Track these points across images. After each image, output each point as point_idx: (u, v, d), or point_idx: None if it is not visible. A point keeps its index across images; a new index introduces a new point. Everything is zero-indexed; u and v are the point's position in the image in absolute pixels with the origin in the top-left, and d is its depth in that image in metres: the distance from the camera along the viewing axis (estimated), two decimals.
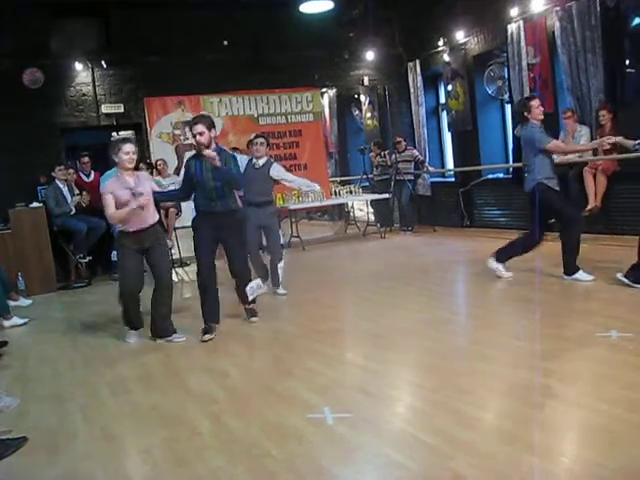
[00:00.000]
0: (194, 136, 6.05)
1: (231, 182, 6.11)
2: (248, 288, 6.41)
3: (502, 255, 7.32)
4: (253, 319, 6.47)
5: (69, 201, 10.00)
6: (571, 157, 9.05)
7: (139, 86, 12.37)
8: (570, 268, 6.88)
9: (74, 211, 10.05)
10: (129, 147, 5.88)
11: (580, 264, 6.86)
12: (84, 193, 10.19)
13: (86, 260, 10.06)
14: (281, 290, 7.70)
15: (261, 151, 7.65)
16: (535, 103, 6.93)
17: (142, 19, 12.09)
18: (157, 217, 6.14)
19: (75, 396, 4.78)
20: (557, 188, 6.90)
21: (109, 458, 3.62)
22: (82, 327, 7.16)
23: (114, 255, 9.88)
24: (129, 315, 6.17)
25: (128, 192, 5.79)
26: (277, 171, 7.76)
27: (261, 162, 7.62)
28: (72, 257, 10.06)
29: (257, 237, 7.78)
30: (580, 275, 6.82)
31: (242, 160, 7.39)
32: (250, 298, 6.47)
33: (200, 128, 5.98)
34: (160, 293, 6.06)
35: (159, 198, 6.25)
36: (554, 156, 7.22)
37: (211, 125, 6.08)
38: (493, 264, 7.34)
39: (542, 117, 6.98)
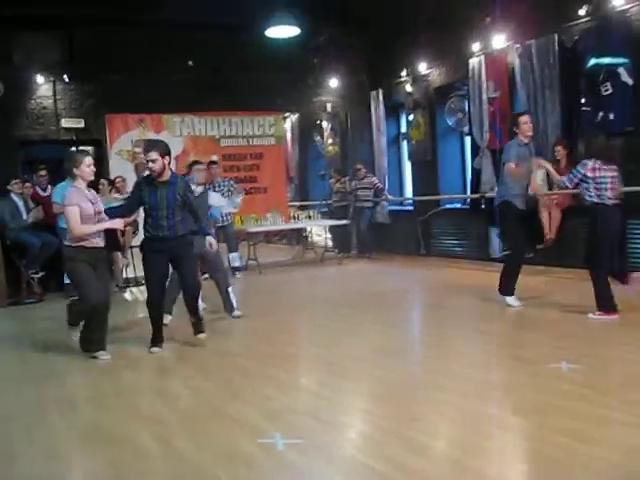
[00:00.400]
0: (147, 162, 5.97)
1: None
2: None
3: (504, 287, 7.14)
4: (200, 335, 6.33)
5: (24, 215, 9.79)
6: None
7: (100, 102, 12.29)
8: (503, 289, 7.06)
9: (28, 223, 9.84)
10: (90, 160, 5.87)
11: (533, 295, 6.95)
12: (39, 208, 9.98)
13: (39, 276, 9.86)
14: (236, 312, 7.58)
15: (202, 178, 7.60)
16: (523, 119, 7.05)
17: (106, 35, 12.06)
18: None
19: (20, 415, 4.65)
20: (522, 207, 7.02)
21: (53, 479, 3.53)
22: (31, 344, 6.99)
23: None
24: (99, 332, 6.00)
25: (91, 205, 5.75)
26: (215, 200, 7.82)
27: (199, 189, 7.44)
28: (24, 272, 9.84)
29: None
30: (510, 300, 7.01)
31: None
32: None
33: (153, 155, 5.88)
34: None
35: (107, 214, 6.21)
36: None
37: (165, 151, 5.97)
38: (503, 299, 7.14)
39: (531, 134, 7.10)
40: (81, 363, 6.00)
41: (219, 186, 10.27)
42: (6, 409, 4.82)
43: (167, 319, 6.88)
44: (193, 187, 7.42)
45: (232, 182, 10.79)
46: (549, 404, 4.18)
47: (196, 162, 7.84)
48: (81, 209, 5.72)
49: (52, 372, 5.76)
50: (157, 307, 6.19)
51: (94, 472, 3.58)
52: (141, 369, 5.68)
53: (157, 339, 6.18)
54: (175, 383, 5.23)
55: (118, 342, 6.58)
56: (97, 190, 10.39)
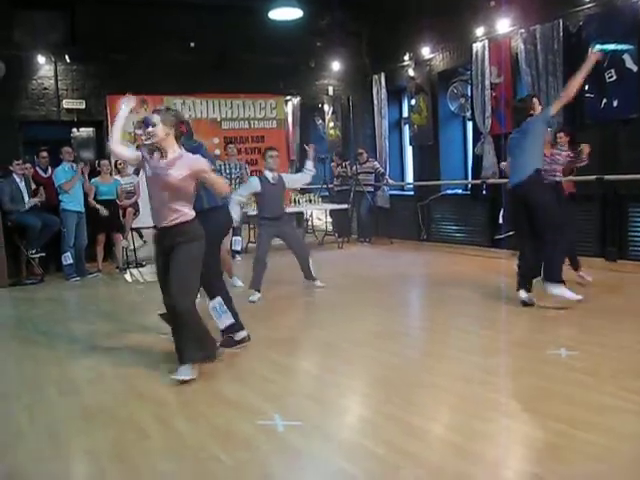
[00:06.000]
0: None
1: None
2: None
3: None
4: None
5: (25, 197, 9.74)
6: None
7: (102, 83, 12.25)
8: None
9: (27, 209, 9.76)
10: None
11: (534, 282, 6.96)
12: (41, 189, 9.95)
13: (38, 256, 9.86)
14: (318, 283, 8.12)
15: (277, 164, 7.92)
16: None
17: (109, 16, 11.99)
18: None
19: (21, 394, 4.67)
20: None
21: (54, 458, 3.55)
22: (32, 324, 7.03)
23: (66, 258, 9.69)
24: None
25: None
26: (290, 181, 8.29)
27: (277, 175, 7.86)
28: (24, 253, 9.84)
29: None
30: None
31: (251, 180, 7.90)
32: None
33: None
34: None
35: None
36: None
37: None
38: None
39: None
40: (81, 344, 6.03)
41: (235, 167, 10.34)
42: (6, 388, 4.86)
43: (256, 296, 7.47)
44: (268, 174, 7.80)
45: (245, 166, 10.84)
46: (547, 390, 4.19)
47: (272, 148, 8.15)
48: None
49: (52, 353, 5.78)
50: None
51: (96, 450, 3.59)
52: (141, 351, 5.68)
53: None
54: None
55: (118, 325, 6.62)
56: (96, 172, 10.46)
